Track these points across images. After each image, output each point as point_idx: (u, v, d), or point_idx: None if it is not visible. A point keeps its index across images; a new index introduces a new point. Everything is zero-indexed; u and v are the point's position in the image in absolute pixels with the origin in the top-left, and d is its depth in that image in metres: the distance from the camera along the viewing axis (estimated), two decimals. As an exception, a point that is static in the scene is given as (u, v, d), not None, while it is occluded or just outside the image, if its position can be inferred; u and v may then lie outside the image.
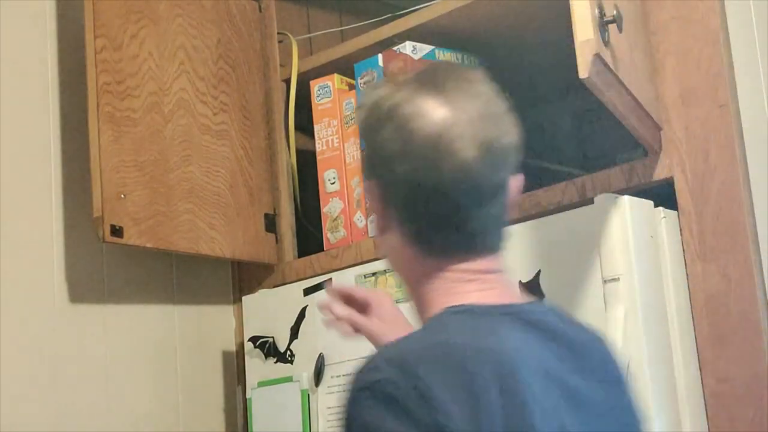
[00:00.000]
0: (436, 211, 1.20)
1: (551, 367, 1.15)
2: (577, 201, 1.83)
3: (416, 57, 2.09)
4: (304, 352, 2.05)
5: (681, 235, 1.75)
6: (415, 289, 1.26)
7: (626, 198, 1.69)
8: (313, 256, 2.17)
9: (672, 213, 1.76)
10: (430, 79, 1.23)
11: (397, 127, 1.19)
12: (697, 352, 1.72)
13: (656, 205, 1.75)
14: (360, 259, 2.10)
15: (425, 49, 2.10)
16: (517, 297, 1.27)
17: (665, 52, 1.81)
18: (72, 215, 2.09)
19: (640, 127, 1.71)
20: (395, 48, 2.10)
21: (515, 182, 1.28)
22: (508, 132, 1.27)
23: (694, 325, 1.72)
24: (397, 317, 1.53)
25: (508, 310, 1.20)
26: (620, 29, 1.51)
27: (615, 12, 1.47)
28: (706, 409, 1.70)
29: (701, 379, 1.71)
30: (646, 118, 1.73)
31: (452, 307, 1.19)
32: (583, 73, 1.40)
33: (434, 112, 1.19)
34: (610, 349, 1.27)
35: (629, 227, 1.67)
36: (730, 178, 1.72)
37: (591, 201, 1.71)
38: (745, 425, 1.65)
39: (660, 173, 1.78)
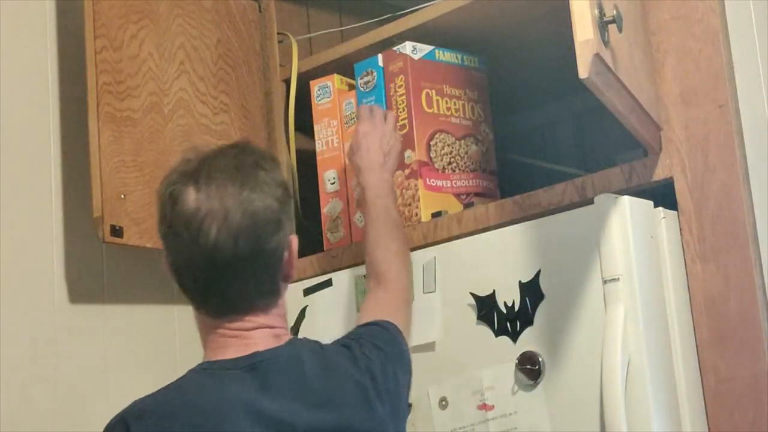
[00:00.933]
0: (193, 281, 1.43)
1: (264, 408, 1.37)
2: (577, 201, 1.83)
3: (416, 57, 2.09)
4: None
5: (681, 235, 1.75)
6: (201, 342, 1.49)
7: (626, 198, 1.69)
8: (313, 256, 2.17)
9: (672, 213, 1.76)
10: (196, 167, 1.44)
11: (167, 208, 1.43)
12: (697, 352, 1.72)
13: (656, 205, 1.75)
14: (360, 259, 2.10)
15: (425, 49, 2.10)
16: (274, 344, 1.46)
17: (665, 52, 1.81)
18: (72, 215, 2.09)
19: (640, 127, 1.71)
20: (395, 48, 2.10)
21: (286, 245, 1.47)
22: (260, 211, 1.43)
23: (694, 325, 1.72)
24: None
25: (249, 361, 1.42)
26: (620, 29, 1.51)
27: (615, 12, 1.47)
28: (706, 409, 1.70)
29: (701, 379, 1.71)
30: (646, 118, 1.73)
31: (200, 364, 1.44)
32: (583, 73, 1.40)
33: (190, 198, 1.41)
34: (355, 371, 1.48)
35: (629, 227, 1.67)
36: (730, 178, 1.72)
37: (591, 201, 1.71)
38: (745, 425, 1.65)
39: (660, 173, 1.78)
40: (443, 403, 1.82)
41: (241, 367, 1.41)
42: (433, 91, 2.10)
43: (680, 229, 1.75)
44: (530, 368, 1.72)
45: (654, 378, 1.62)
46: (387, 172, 1.94)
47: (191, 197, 1.41)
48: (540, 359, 1.72)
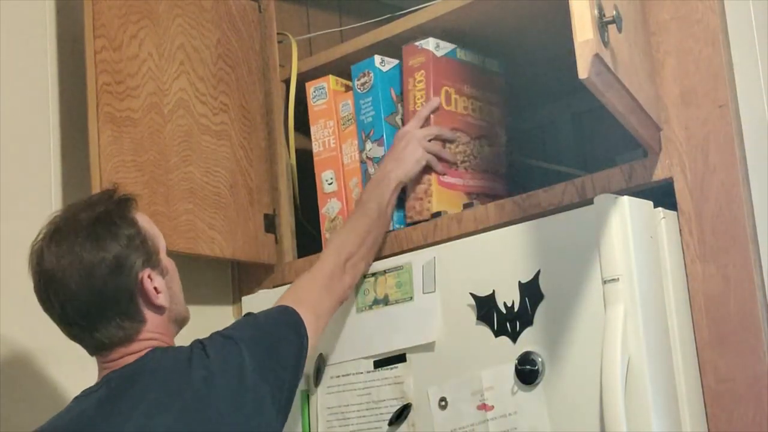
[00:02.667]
0: (63, 330, 1.68)
1: (102, 422, 1.57)
2: (577, 201, 1.83)
3: (439, 54, 2.09)
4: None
5: (681, 235, 1.75)
6: None
7: (626, 198, 1.69)
8: (312, 256, 2.17)
9: (672, 213, 1.76)
10: (48, 226, 1.67)
11: (31, 266, 1.69)
12: (697, 353, 1.72)
13: (656, 206, 1.75)
14: (360, 259, 2.10)
15: (447, 47, 2.11)
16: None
17: (665, 52, 1.81)
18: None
19: (640, 128, 1.71)
20: (417, 43, 2.09)
21: (134, 283, 1.63)
22: (94, 265, 1.61)
23: (693, 326, 1.72)
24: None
25: (102, 382, 1.64)
26: (620, 29, 1.51)
27: (615, 12, 1.47)
28: (706, 409, 1.70)
29: (701, 379, 1.70)
30: (646, 119, 1.73)
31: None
32: (582, 73, 1.40)
33: (43, 258, 1.64)
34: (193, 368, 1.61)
35: (629, 227, 1.67)
36: (730, 178, 1.72)
37: (591, 201, 1.71)
38: (745, 425, 1.65)
39: (660, 173, 1.78)
40: (443, 403, 1.82)
41: (96, 389, 1.63)
42: (453, 90, 2.10)
43: (680, 230, 1.75)
44: (530, 368, 1.72)
45: (654, 378, 1.62)
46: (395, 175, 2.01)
47: (44, 257, 1.64)
48: (540, 359, 1.72)
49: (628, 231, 1.66)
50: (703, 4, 1.77)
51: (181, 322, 1.74)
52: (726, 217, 1.71)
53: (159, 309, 1.67)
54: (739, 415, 1.66)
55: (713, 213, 1.72)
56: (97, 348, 1.66)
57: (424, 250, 1.93)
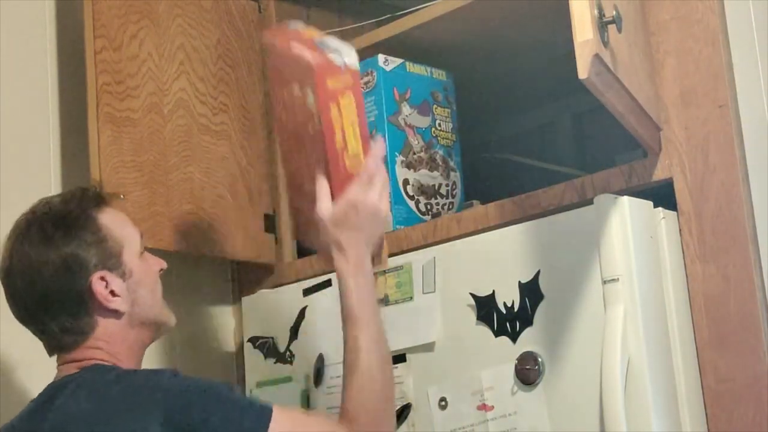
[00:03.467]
0: None
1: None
2: (577, 201, 1.83)
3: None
4: (304, 352, 2.05)
5: (680, 235, 1.75)
6: None
7: (626, 198, 1.69)
8: (312, 257, 2.17)
9: (671, 213, 1.76)
10: (15, 224, 1.62)
11: None
12: (697, 353, 1.72)
13: (656, 206, 1.75)
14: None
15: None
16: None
17: (665, 52, 1.81)
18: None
19: (640, 128, 1.71)
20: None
21: (83, 286, 1.56)
22: (39, 264, 1.57)
23: (693, 326, 1.72)
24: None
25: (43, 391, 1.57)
26: (619, 30, 1.51)
27: (614, 12, 1.47)
28: (706, 410, 1.70)
29: (701, 379, 1.70)
30: (646, 119, 1.72)
31: None
32: (582, 73, 1.40)
33: (2, 255, 1.61)
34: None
35: (629, 228, 1.67)
36: (730, 178, 1.72)
37: (590, 201, 1.71)
38: (745, 425, 1.65)
39: (659, 173, 1.78)
40: (443, 403, 1.82)
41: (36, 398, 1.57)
42: None
43: (680, 230, 1.75)
44: (530, 368, 1.72)
45: (654, 378, 1.62)
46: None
47: (3, 253, 1.61)
48: (540, 359, 1.72)
49: (628, 231, 1.66)
50: (703, 4, 1.77)
51: (154, 326, 1.65)
52: (726, 217, 1.71)
53: (114, 314, 1.58)
54: (739, 415, 1.66)
55: (713, 213, 1.72)
56: (50, 350, 1.61)
57: (424, 250, 1.93)
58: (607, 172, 1.83)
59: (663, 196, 1.76)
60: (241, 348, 2.23)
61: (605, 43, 1.46)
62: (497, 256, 1.81)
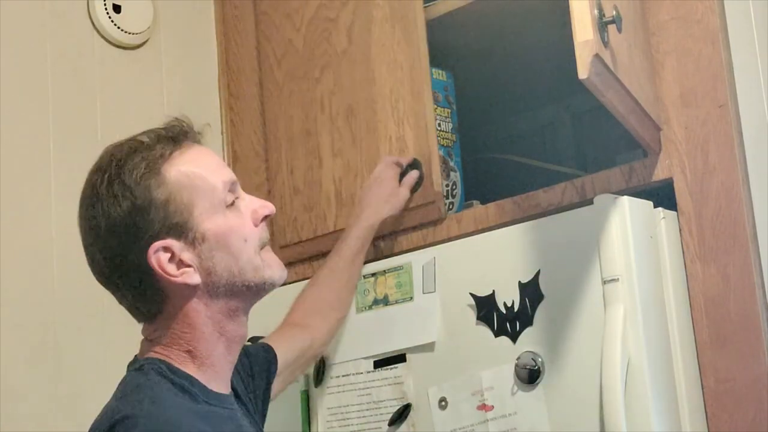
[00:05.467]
0: None
1: None
2: (577, 201, 1.83)
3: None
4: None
5: (681, 235, 1.75)
6: None
7: (626, 198, 1.68)
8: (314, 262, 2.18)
9: (672, 213, 1.76)
10: None
11: None
12: (697, 353, 1.72)
13: (656, 206, 1.75)
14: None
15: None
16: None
17: (665, 52, 1.80)
18: (71, 217, 2.09)
19: (640, 128, 1.71)
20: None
21: (143, 256, 1.36)
22: (100, 227, 1.37)
23: (693, 326, 1.72)
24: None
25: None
26: (619, 30, 1.50)
27: (615, 12, 1.47)
28: (705, 410, 1.70)
29: (701, 379, 1.70)
30: (646, 119, 1.72)
31: None
32: (582, 73, 1.40)
33: None
34: None
35: (629, 228, 1.66)
36: (730, 178, 1.72)
37: (590, 201, 1.71)
38: (745, 425, 1.65)
39: (660, 173, 1.78)
40: (443, 403, 1.82)
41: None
42: None
43: (680, 230, 1.75)
44: (530, 368, 1.72)
45: (654, 378, 1.62)
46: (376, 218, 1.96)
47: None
48: (540, 359, 1.72)
49: (628, 231, 1.66)
50: (703, 4, 1.77)
51: (251, 290, 1.42)
52: (726, 217, 1.71)
53: (186, 287, 1.38)
54: (739, 415, 1.66)
55: (713, 213, 1.72)
56: (135, 318, 1.45)
57: (424, 250, 1.93)
58: (607, 172, 1.83)
59: (663, 196, 1.76)
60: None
61: (605, 44, 1.46)
62: (497, 256, 1.81)
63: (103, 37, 2.24)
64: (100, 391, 2.06)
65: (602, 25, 1.46)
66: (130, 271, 1.37)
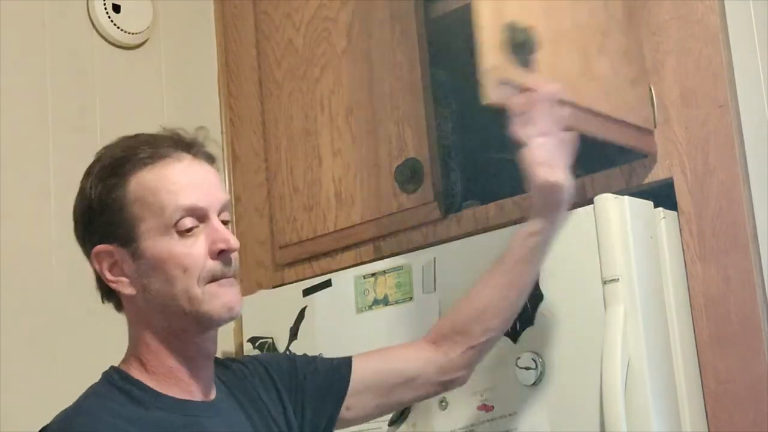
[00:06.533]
0: None
1: None
2: (577, 201, 1.83)
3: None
4: (304, 352, 2.04)
5: (681, 235, 1.75)
6: None
7: (626, 198, 1.68)
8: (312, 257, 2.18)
9: (672, 213, 1.76)
10: None
11: None
12: (697, 353, 1.72)
13: (656, 206, 1.75)
14: (360, 259, 2.10)
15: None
16: None
17: (665, 52, 1.80)
18: (70, 217, 2.09)
19: (628, 140, 1.71)
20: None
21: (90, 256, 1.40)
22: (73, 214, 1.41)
23: (693, 326, 1.72)
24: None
25: None
26: (529, 53, 1.47)
27: (525, 35, 1.45)
28: (706, 410, 1.70)
29: (701, 379, 1.70)
30: (631, 129, 1.72)
31: None
32: (486, 99, 1.40)
33: None
34: None
35: (629, 228, 1.66)
36: (730, 178, 1.71)
37: (591, 201, 1.71)
38: (745, 426, 1.65)
39: (660, 173, 1.78)
40: (443, 403, 1.82)
41: None
42: None
43: (680, 230, 1.75)
44: (530, 369, 1.72)
45: (654, 379, 1.62)
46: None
47: None
48: (540, 359, 1.72)
49: (628, 231, 1.66)
50: (703, 4, 1.77)
51: (189, 316, 1.36)
52: (726, 217, 1.71)
53: (128, 298, 1.39)
54: (739, 415, 1.66)
55: (713, 213, 1.72)
56: None
57: (424, 250, 1.93)
58: (607, 172, 1.83)
59: (663, 196, 1.76)
60: (241, 348, 2.22)
61: (526, 64, 1.43)
62: (497, 256, 1.81)
63: (102, 37, 2.24)
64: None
65: (518, 47, 1.44)
66: (91, 263, 1.40)
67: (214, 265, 1.36)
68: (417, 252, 1.93)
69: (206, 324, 1.38)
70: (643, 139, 1.76)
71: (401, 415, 1.87)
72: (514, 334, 1.76)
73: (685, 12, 1.79)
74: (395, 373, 1.59)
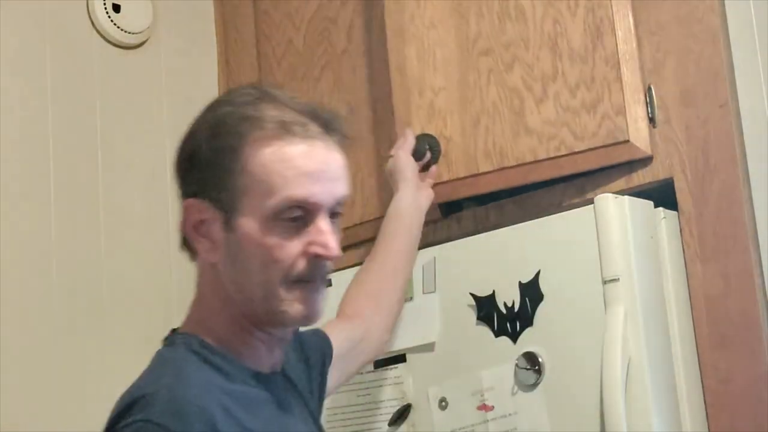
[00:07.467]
0: None
1: None
2: (577, 201, 1.83)
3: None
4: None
5: (681, 235, 1.75)
6: None
7: (626, 198, 1.69)
8: (312, 257, 2.17)
9: (672, 213, 1.76)
10: None
11: None
12: (697, 353, 1.71)
13: (656, 206, 1.75)
14: (360, 259, 2.10)
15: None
16: None
17: (665, 52, 1.80)
18: (71, 216, 2.09)
19: (599, 162, 1.76)
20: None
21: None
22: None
23: (694, 326, 1.72)
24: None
25: None
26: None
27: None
28: (706, 410, 1.70)
29: (701, 379, 1.70)
30: (597, 151, 1.76)
31: None
32: None
33: None
34: None
35: (629, 227, 1.66)
36: (730, 178, 1.71)
37: (591, 201, 1.71)
38: (745, 425, 1.65)
39: (660, 173, 1.78)
40: (443, 403, 1.82)
41: None
42: None
43: (680, 230, 1.75)
44: (530, 369, 1.72)
45: (654, 378, 1.62)
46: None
47: None
48: (540, 359, 1.72)
49: (628, 231, 1.66)
50: (704, 4, 1.77)
51: (258, 310, 1.27)
52: (726, 217, 1.71)
53: (201, 260, 1.29)
54: (739, 415, 1.66)
55: (713, 213, 1.72)
56: None
57: (424, 250, 1.93)
58: (607, 172, 1.83)
59: (663, 196, 1.76)
60: (241, 348, 2.22)
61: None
62: (497, 256, 1.81)
63: (102, 36, 2.24)
64: (99, 391, 2.07)
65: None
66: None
67: (304, 268, 1.26)
68: (417, 252, 1.93)
69: (277, 322, 1.30)
70: (621, 150, 1.76)
71: (401, 415, 1.87)
72: (514, 334, 1.76)
73: (686, 12, 1.79)
74: (348, 342, 1.63)
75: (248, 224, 1.24)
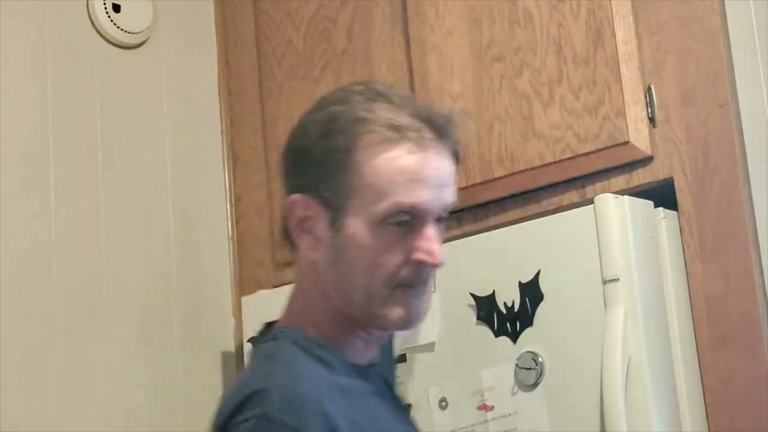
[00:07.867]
0: None
1: None
2: (577, 201, 1.83)
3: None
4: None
5: (681, 235, 1.75)
6: None
7: (626, 198, 1.69)
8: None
9: (672, 213, 1.76)
10: None
11: None
12: (697, 353, 1.72)
13: (656, 206, 1.75)
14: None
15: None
16: None
17: (665, 52, 1.80)
18: (71, 216, 2.09)
19: (602, 163, 1.75)
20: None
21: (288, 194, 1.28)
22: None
23: (694, 326, 1.72)
24: None
25: None
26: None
27: None
28: (706, 410, 1.70)
29: (701, 379, 1.70)
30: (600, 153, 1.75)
31: None
32: None
33: None
34: None
35: (629, 227, 1.66)
36: (730, 178, 1.72)
37: (591, 201, 1.71)
38: (745, 425, 1.65)
39: (660, 173, 1.78)
40: (443, 403, 1.82)
41: None
42: None
43: (680, 230, 1.75)
44: (530, 369, 1.72)
45: (654, 378, 1.62)
46: None
47: None
48: (540, 359, 1.72)
49: (628, 231, 1.66)
50: (704, 4, 1.77)
51: (363, 312, 1.26)
52: (726, 217, 1.71)
53: (298, 252, 1.28)
54: (739, 415, 1.66)
55: (713, 213, 1.72)
56: None
57: (424, 250, 1.93)
58: (607, 172, 1.83)
59: (663, 196, 1.76)
60: (241, 348, 2.22)
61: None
62: (497, 256, 1.81)
63: (102, 36, 2.24)
64: (99, 391, 2.07)
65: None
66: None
67: (408, 273, 1.25)
68: (417, 252, 1.93)
69: (376, 325, 1.28)
70: (621, 152, 1.76)
71: (401, 415, 1.87)
72: (514, 334, 1.76)
73: (686, 12, 1.79)
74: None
75: (355, 225, 1.23)
